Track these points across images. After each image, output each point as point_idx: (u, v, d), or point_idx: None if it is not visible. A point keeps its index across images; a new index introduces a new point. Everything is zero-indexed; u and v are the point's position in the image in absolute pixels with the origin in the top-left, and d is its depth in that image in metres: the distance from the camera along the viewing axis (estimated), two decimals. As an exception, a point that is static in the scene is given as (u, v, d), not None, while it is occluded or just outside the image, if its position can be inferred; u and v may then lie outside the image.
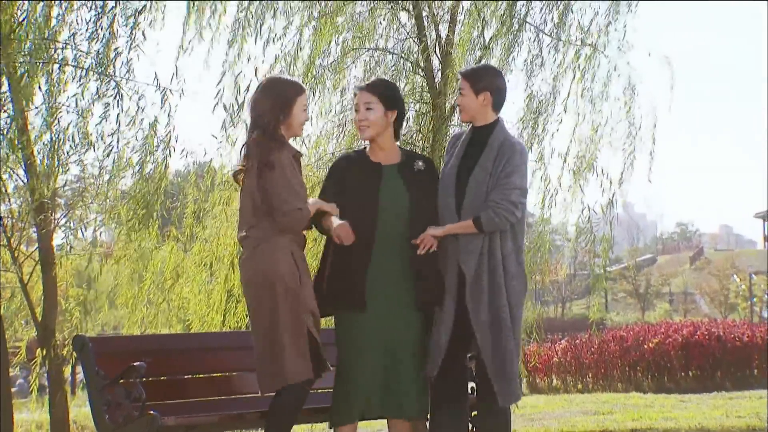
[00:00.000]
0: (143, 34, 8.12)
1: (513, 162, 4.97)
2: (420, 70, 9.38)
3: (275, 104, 4.81)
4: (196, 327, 9.35)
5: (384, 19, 9.60)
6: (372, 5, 9.42)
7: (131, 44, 8.09)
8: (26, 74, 8.19)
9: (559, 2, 9.10)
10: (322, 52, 8.85)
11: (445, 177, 5.10)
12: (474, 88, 5.07)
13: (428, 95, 9.25)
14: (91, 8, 8.32)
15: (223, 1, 8.71)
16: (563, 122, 9.14)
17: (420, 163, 5.15)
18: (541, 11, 9.20)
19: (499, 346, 4.88)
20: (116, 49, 8.08)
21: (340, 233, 4.84)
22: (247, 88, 8.09)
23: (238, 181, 4.93)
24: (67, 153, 8.43)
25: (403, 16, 9.62)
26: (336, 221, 4.89)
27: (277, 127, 4.81)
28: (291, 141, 5.04)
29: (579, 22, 9.15)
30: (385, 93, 5.10)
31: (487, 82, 5.10)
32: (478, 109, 5.10)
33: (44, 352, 9.59)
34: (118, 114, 8.14)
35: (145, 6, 8.21)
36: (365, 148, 5.22)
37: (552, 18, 9.17)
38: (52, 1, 8.48)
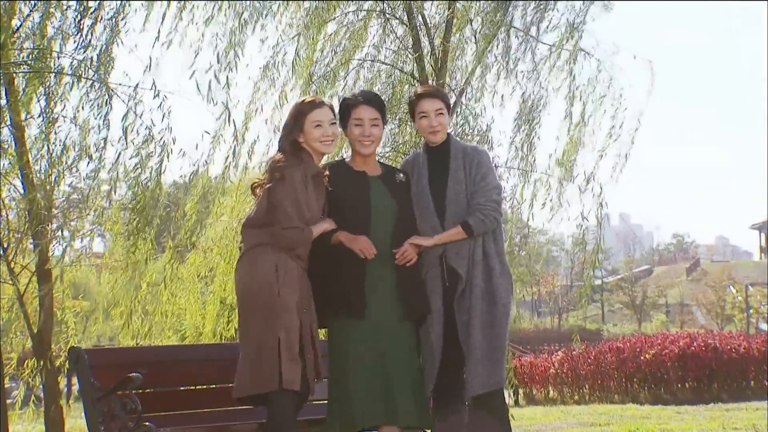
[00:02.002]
0: (125, 30, 8.07)
1: (484, 164, 5.07)
2: (414, 80, 9.39)
3: (288, 123, 4.90)
4: (192, 339, 9.32)
5: (379, 30, 9.63)
6: (365, 14, 9.44)
7: (110, 43, 8.05)
8: (26, 84, 8.18)
9: (545, 3, 9.14)
10: (315, 62, 8.87)
11: (421, 198, 5.06)
12: (449, 109, 5.17)
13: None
14: (69, 8, 8.29)
15: (218, 1, 8.70)
16: (551, 127, 9.22)
17: (401, 176, 5.15)
18: (527, 13, 9.26)
19: (475, 341, 4.90)
20: (109, 54, 8.04)
21: (363, 248, 4.84)
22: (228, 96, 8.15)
23: (255, 194, 4.95)
24: (65, 163, 8.42)
25: (397, 27, 9.64)
26: (347, 235, 4.86)
27: (292, 145, 4.84)
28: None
29: (568, 21, 9.20)
30: (383, 109, 5.13)
31: (450, 102, 5.24)
32: (446, 129, 5.18)
33: (41, 364, 9.54)
34: (106, 112, 8.09)
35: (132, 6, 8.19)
36: (344, 158, 5.20)
37: (536, 18, 9.23)
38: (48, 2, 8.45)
